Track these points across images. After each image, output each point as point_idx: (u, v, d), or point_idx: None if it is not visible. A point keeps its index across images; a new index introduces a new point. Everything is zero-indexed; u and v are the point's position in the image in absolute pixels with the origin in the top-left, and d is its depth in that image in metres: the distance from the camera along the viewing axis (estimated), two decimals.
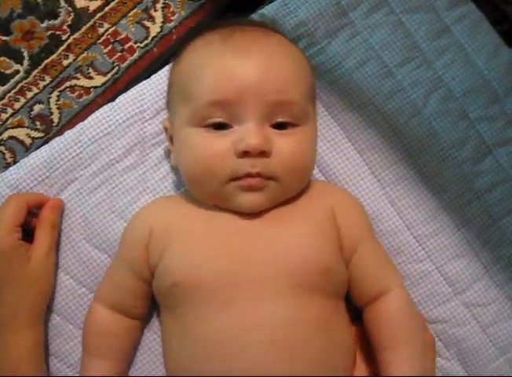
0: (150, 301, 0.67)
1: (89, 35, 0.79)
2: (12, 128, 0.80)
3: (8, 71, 0.80)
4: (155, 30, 0.80)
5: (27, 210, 0.67)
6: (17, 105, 0.80)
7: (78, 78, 0.80)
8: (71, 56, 0.79)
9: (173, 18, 0.80)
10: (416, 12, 0.72)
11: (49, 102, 0.80)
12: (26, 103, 0.80)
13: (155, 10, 0.80)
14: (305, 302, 0.58)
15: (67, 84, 0.80)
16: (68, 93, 0.80)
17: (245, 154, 0.57)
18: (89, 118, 0.72)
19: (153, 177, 0.71)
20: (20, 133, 0.80)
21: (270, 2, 0.72)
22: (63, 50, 0.79)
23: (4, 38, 0.79)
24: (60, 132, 0.78)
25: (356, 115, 0.72)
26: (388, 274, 0.64)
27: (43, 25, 0.79)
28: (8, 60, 0.79)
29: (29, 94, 0.80)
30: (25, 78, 0.80)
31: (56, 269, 0.69)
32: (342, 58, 0.72)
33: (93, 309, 0.66)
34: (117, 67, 0.80)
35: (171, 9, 0.80)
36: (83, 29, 0.79)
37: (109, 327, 0.65)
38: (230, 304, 0.57)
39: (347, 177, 0.72)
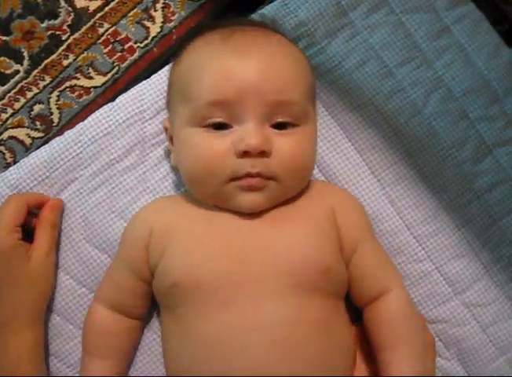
0: (150, 301, 0.67)
1: (89, 35, 0.79)
2: (12, 128, 0.80)
3: (8, 71, 0.80)
4: (155, 30, 0.80)
5: (27, 210, 0.67)
6: (17, 105, 0.80)
7: (78, 78, 0.80)
8: (71, 56, 0.79)
9: (173, 18, 0.80)
10: (416, 12, 0.72)
11: (49, 102, 0.80)
12: (26, 103, 0.80)
13: (155, 10, 0.80)
14: (305, 302, 0.58)
15: (67, 84, 0.80)
16: (68, 93, 0.80)
17: (245, 154, 0.57)
18: (89, 118, 0.72)
19: (153, 177, 0.71)
20: (20, 133, 0.80)
21: (270, 2, 0.72)
22: (63, 50, 0.79)
23: (4, 38, 0.79)
24: (60, 132, 0.78)
25: (356, 115, 0.72)
26: (388, 274, 0.64)
27: (43, 25, 0.79)
28: (8, 60, 0.79)
29: (29, 94, 0.80)
30: (25, 78, 0.80)
31: (56, 269, 0.69)
32: (342, 58, 0.72)
33: (93, 309, 0.66)
34: (117, 67, 0.80)
35: (171, 9, 0.80)
36: (83, 29, 0.79)
37: (109, 327, 0.65)
38: (230, 304, 0.57)
39: (347, 177, 0.72)
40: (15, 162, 0.74)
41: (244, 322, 0.57)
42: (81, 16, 0.79)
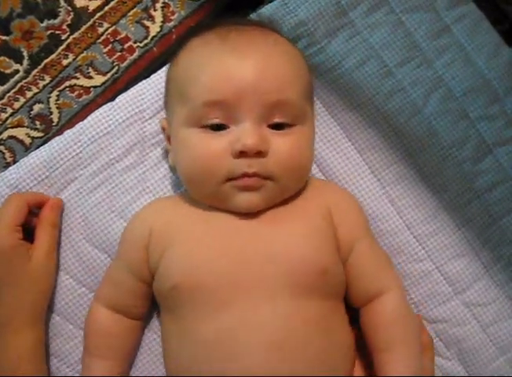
0: (150, 301, 0.67)
1: (89, 35, 0.79)
2: (12, 128, 0.80)
3: (7, 71, 0.79)
4: (154, 29, 0.80)
5: (28, 210, 0.67)
6: (17, 105, 0.80)
7: (78, 78, 0.80)
8: (71, 56, 0.79)
9: (172, 17, 0.80)
10: (416, 11, 0.72)
11: (48, 102, 0.80)
12: (25, 102, 0.80)
13: (155, 10, 0.80)
14: (304, 303, 0.58)
15: (67, 84, 0.80)
16: (68, 92, 0.80)
17: (241, 154, 0.57)
18: (89, 118, 0.72)
19: (153, 176, 0.71)
20: (20, 132, 0.80)
21: (270, 2, 0.72)
22: (62, 50, 0.79)
23: (3, 37, 0.79)
24: (59, 131, 0.77)
25: (356, 114, 0.72)
26: (384, 275, 0.63)
27: (43, 25, 0.79)
28: (7, 60, 0.79)
29: (29, 94, 0.80)
30: (25, 77, 0.79)
31: (56, 269, 0.69)
32: (342, 58, 0.72)
33: (93, 310, 0.66)
34: (117, 67, 0.80)
35: (171, 9, 0.80)
36: (83, 29, 0.79)
37: (109, 327, 0.65)
38: (230, 304, 0.57)
39: (347, 176, 0.71)
40: (15, 162, 0.74)
41: (244, 322, 0.57)
42: (80, 16, 0.79)
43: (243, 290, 0.58)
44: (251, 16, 0.72)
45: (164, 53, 0.80)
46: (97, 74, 0.80)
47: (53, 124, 0.80)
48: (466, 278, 0.71)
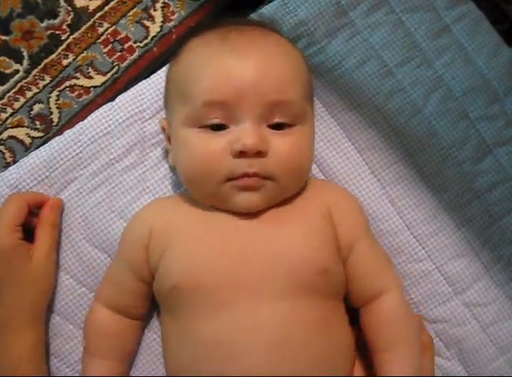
0: (150, 301, 0.67)
1: (89, 35, 0.79)
2: (12, 128, 0.80)
3: (7, 71, 0.79)
4: (154, 29, 0.80)
5: (28, 210, 0.67)
6: (17, 105, 0.80)
7: (78, 78, 0.80)
8: (71, 56, 0.79)
9: (172, 17, 0.80)
10: (416, 11, 0.72)
11: (48, 102, 0.80)
12: (25, 102, 0.80)
13: (155, 10, 0.80)
14: (304, 303, 0.58)
15: (67, 84, 0.80)
16: (68, 92, 0.80)
17: (241, 154, 0.57)
18: (89, 118, 0.72)
19: (153, 176, 0.71)
20: (20, 132, 0.80)
21: (270, 2, 0.72)
22: (62, 50, 0.79)
23: (4, 37, 0.79)
24: (59, 131, 0.77)
25: (356, 114, 0.72)
26: (384, 275, 0.63)
27: (43, 25, 0.79)
28: (7, 60, 0.79)
29: (29, 94, 0.80)
30: (25, 77, 0.79)
31: (56, 269, 0.69)
32: (342, 57, 0.72)
33: (93, 309, 0.66)
34: (117, 67, 0.80)
35: (171, 9, 0.80)
36: (83, 28, 0.79)
37: (109, 327, 0.65)
38: (230, 304, 0.57)
39: (347, 176, 0.71)
40: (14, 162, 0.74)
41: (244, 322, 0.57)
42: (80, 16, 0.79)
43: (243, 290, 0.58)
44: (251, 16, 0.72)
45: (164, 53, 0.80)
46: (97, 74, 0.80)
47: (53, 124, 0.80)
48: (466, 278, 0.71)
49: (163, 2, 0.79)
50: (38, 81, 0.79)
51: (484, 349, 0.71)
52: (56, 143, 0.71)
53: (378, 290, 0.61)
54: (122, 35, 0.80)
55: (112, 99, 0.72)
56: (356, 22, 0.72)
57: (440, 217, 0.71)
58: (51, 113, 0.80)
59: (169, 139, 0.66)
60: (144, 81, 0.72)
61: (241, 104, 0.57)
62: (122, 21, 0.79)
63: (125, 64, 0.80)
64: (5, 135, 0.80)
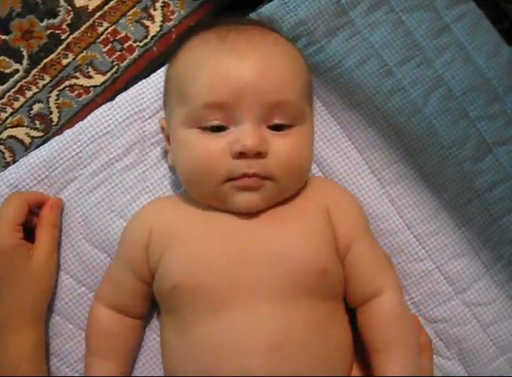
0: (150, 301, 0.66)
1: (89, 34, 0.79)
2: (12, 127, 0.80)
3: (7, 71, 0.79)
4: (154, 29, 0.80)
5: (28, 209, 0.67)
6: (17, 104, 0.79)
7: (78, 78, 0.79)
8: (71, 56, 0.79)
9: (172, 17, 0.80)
10: (416, 10, 0.72)
11: (48, 101, 0.80)
12: (25, 102, 0.80)
13: (155, 9, 0.79)
14: (303, 303, 0.58)
15: (67, 83, 0.80)
16: (68, 92, 0.80)
17: (241, 155, 0.57)
18: (89, 118, 0.71)
19: (152, 176, 0.71)
20: (20, 132, 0.80)
21: (269, 1, 0.72)
22: (62, 49, 0.79)
23: (3, 37, 0.79)
24: (59, 131, 0.77)
25: (356, 113, 0.72)
26: (382, 275, 0.63)
27: (42, 24, 0.79)
28: (7, 60, 0.79)
29: (28, 93, 0.79)
30: (24, 77, 0.79)
31: (57, 269, 0.69)
32: (342, 57, 0.72)
33: (94, 309, 0.66)
34: (116, 67, 0.80)
35: (171, 8, 0.79)
36: (82, 28, 0.79)
37: (110, 327, 0.65)
38: (230, 305, 0.57)
39: (347, 176, 0.71)
40: (14, 162, 0.74)
41: (243, 323, 0.57)
42: (80, 15, 0.79)
43: (243, 290, 0.58)
44: (251, 15, 0.72)
45: (164, 53, 0.80)
46: (97, 73, 0.80)
47: (53, 124, 0.80)
48: (466, 277, 0.71)
49: (163, 2, 0.79)
50: (38, 80, 0.79)
51: (485, 349, 0.71)
52: (55, 142, 0.71)
53: (376, 290, 0.61)
54: (121, 35, 0.79)
55: (112, 98, 0.72)
56: (356, 21, 0.72)
57: (440, 217, 0.71)
58: (51, 113, 0.80)
59: (168, 139, 0.66)
60: (143, 80, 0.72)
61: (240, 105, 0.57)
62: (122, 21, 0.79)
63: (124, 63, 0.80)
64: (4, 135, 0.80)
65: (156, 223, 0.63)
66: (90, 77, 0.80)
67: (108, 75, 0.80)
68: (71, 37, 0.79)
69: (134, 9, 0.79)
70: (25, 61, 0.79)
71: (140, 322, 0.67)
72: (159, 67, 0.72)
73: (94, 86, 0.80)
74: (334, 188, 0.68)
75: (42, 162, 0.71)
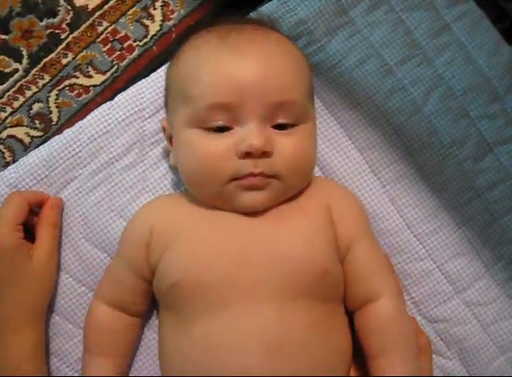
0: (150, 299, 0.66)
1: (89, 34, 0.79)
2: (12, 127, 0.80)
3: (7, 70, 0.79)
4: (154, 28, 0.80)
5: (28, 209, 0.67)
6: (16, 104, 0.79)
7: (78, 77, 0.79)
8: (70, 55, 0.79)
9: (172, 16, 0.80)
10: (416, 10, 0.72)
11: (48, 101, 0.80)
12: (25, 102, 0.80)
13: (155, 8, 0.79)
14: (303, 304, 0.58)
15: (67, 83, 0.79)
16: (67, 91, 0.80)
17: (247, 155, 0.57)
18: (89, 117, 0.71)
19: (152, 175, 0.71)
20: (19, 131, 0.80)
21: (270, 0, 0.72)
22: (62, 49, 0.79)
23: (3, 36, 0.79)
24: (59, 131, 0.77)
25: (356, 113, 0.72)
26: (381, 278, 0.62)
27: (42, 24, 0.79)
28: (7, 59, 0.79)
29: (28, 93, 0.79)
30: (24, 76, 0.79)
31: (57, 269, 0.69)
32: (342, 56, 0.72)
33: (93, 307, 0.66)
34: (116, 66, 0.80)
35: (170, 8, 0.79)
36: (82, 27, 0.79)
37: (109, 324, 0.65)
38: (229, 304, 0.57)
39: (347, 175, 0.71)
40: (14, 162, 0.74)
41: (243, 323, 0.57)
42: (80, 15, 0.79)
43: (243, 290, 0.57)
44: (251, 14, 0.72)
45: (164, 52, 0.80)
46: (97, 73, 0.80)
47: (53, 123, 0.80)
48: (466, 277, 0.71)
49: (163, 1, 0.79)
50: (38, 80, 0.79)
51: (485, 349, 0.71)
52: (55, 142, 0.71)
53: (374, 293, 0.60)
54: (121, 34, 0.79)
55: (112, 98, 0.72)
56: (356, 21, 0.72)
57: (440, 216, 0.71)
58: (50, 112, 0.80)
59: (170, 139, 0.66)
60: (143, 80, 0.72)
61: (244, 105, 0.57)
62: (122, 20, 0.79)
63: (124, 62, 0.80)
64: (4, 134, 0.80)
65: (158, 221, 0.63)
66: (90, 76, 0.80)
67: (108, 74, 0.80)
68: (70, 36, 0.79)
69: (134, 9, 0.79)
70: (25, 61, 0.79)
71: (140, 320, 0.67)
72: (158, 67, 0.72)
73: (94, 86, 0.80)
74: (336, 188, 0.68)
75: (42, 161, 0.70)
